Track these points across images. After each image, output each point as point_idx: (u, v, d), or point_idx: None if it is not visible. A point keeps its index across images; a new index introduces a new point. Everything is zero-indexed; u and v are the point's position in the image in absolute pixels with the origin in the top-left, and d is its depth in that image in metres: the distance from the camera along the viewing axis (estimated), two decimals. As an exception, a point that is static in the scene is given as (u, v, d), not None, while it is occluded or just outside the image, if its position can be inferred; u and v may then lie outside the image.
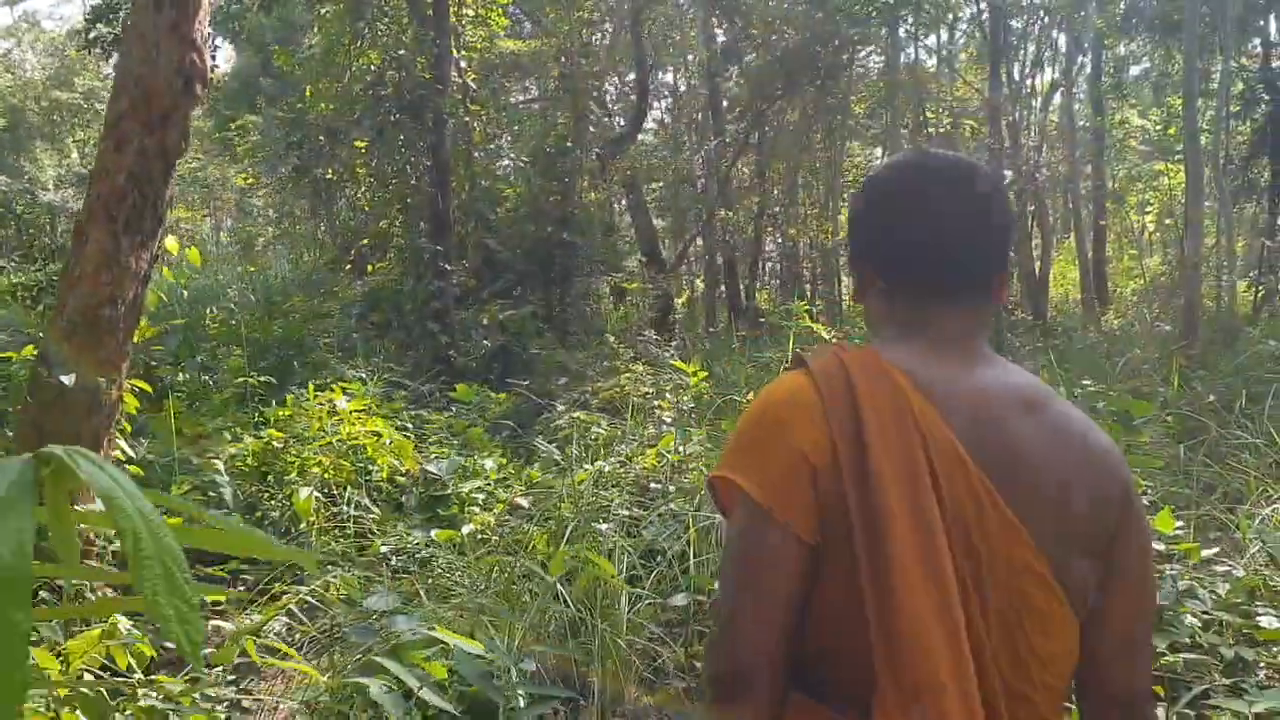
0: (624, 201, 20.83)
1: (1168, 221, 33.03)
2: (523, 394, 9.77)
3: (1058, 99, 28.10)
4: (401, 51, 11.68)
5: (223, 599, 4.04)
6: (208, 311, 11.37)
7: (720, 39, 21.88)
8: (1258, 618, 3.39)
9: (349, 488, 5.40)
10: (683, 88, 25.50)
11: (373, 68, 11.85)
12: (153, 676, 2.99)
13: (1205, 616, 3.42)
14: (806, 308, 7.06)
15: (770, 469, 1.28)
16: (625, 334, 13.04)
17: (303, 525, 4.94)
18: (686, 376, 7.48)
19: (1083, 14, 22.73)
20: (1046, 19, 25.68)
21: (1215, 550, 3.96)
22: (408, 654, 2.46)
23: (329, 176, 11.91)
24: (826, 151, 23.94)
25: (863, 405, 1.27)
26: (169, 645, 3.73)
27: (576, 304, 13.57)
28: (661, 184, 22.70)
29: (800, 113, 21.74)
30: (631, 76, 21.78)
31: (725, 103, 22.89)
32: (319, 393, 7.12)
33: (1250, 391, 7.68)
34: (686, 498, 5.02)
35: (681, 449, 5.80)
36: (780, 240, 24.72)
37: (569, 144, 13.70)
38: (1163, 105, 27.81)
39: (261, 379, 7.02)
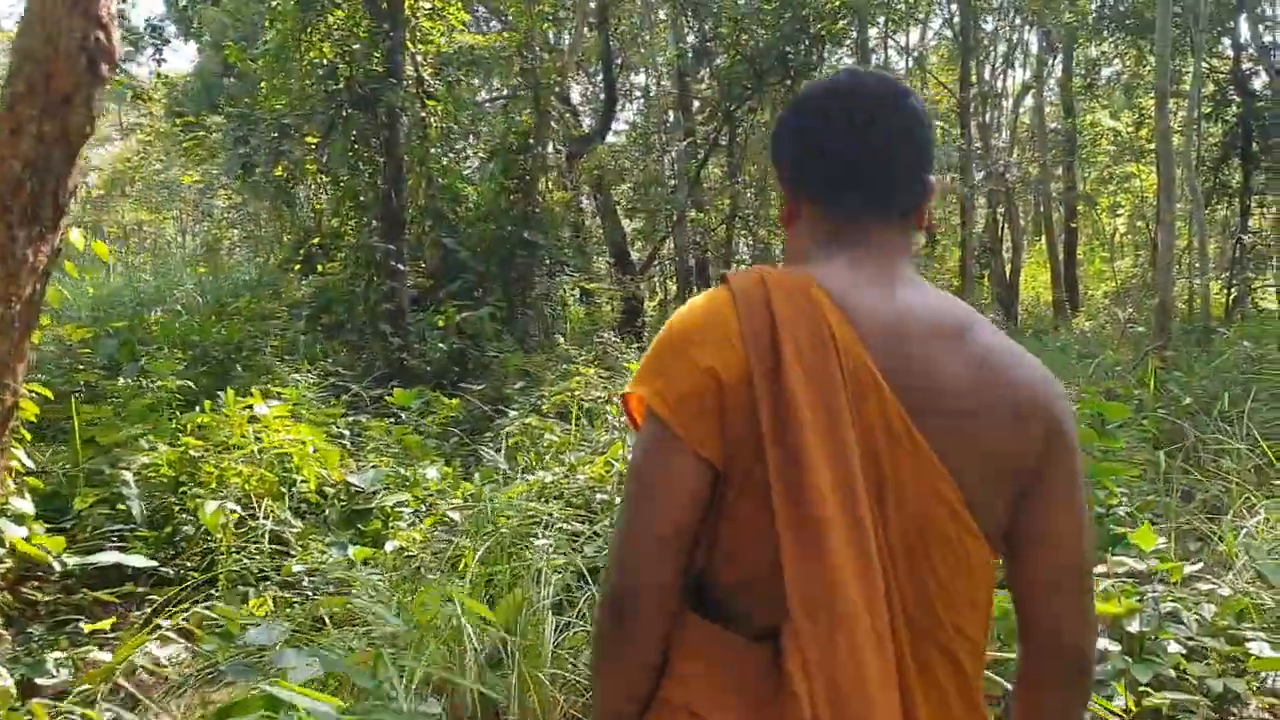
0: (593, 202, 20.45)
1: (1139, 224, 33.04)
2: (476, 398, 9.41)
3: (1029, 100, 27.95)
4: (356, 45, 11.28)
5: (106, 627, 3.65)
6: (152, 314, 10.94)
7: (690, 39, 21.55)
8: (1248, 644, 3.07)
9: (271, 500, 5.00)
10: (653, 89, 25.15)
11: (325, 62, 11.42)
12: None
13: (1190, 643, 3.09)
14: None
15: (677, 384, 1.23)
16: (587, 336, 12.66)
17: (212, 542, 4.55)
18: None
19: (1052, 14, 22.52)
20: (1018, 19, 25.50)
21: (1198, 566, 3.64)
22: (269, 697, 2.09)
23: (279, 174, 11.46)
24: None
25: (780, 323, 1.22)
26: (41, 681, 3.34)
27: (537, 306, 13.19)
28: (631, 185, 22.33)
29: (771, 113, 21.40)
30: (601, 77, 21.44)
31: (696, 103, 22.55)
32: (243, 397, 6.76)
33: (1228, 394, 7.41)
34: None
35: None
36: (753, 242, 24.40)
37: (530, 141, 13.32)
38: (1134, 107, 27.70)
39: (178, 384, 6.59)
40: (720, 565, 1.27)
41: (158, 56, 12.51)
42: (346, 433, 6.59)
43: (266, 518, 4.79)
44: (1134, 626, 3.01)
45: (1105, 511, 3.77)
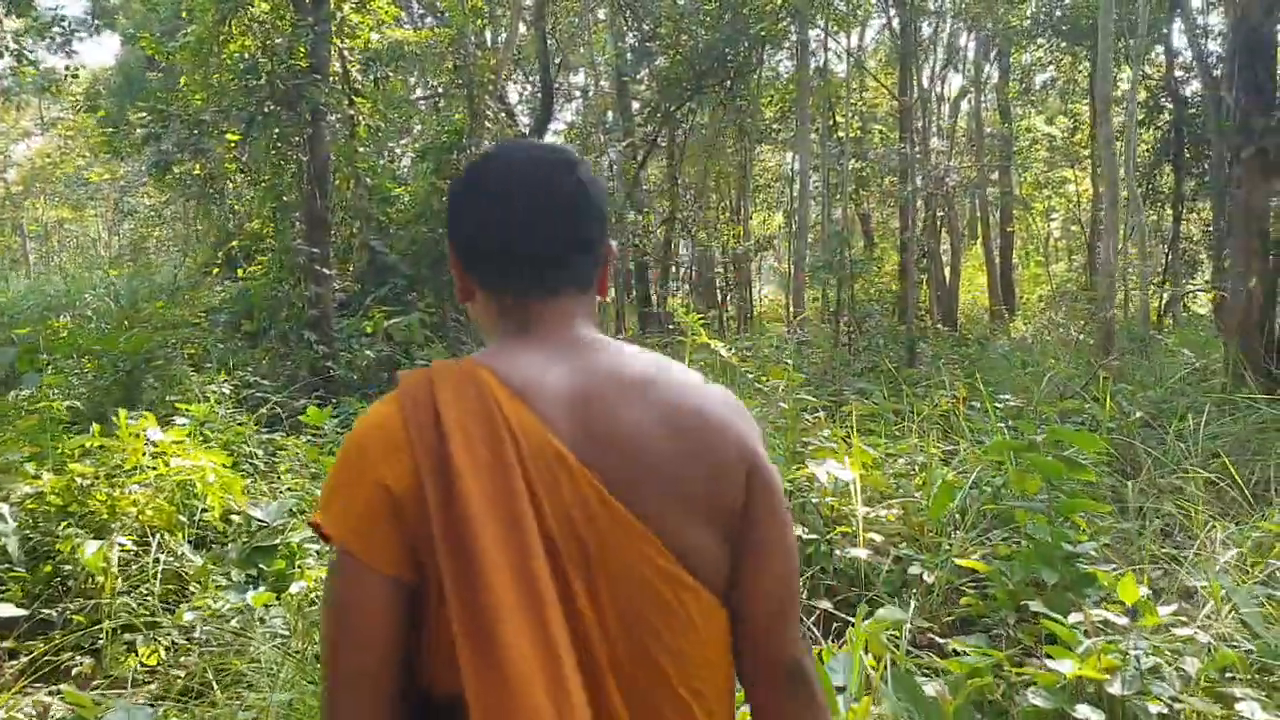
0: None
1: (1073, 228, 33.44)
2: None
3: (966, 105, 28.05)
4: (278, 40, 10.77)
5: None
6: (60, 319, 10.36)
7: (629, 39, 21.24)
8: (1237, 703, 2.79)
9: (168, 533, 4.56)
10: (591, 89, 24.79)
11: (246, 56, 10.89)
12: None
13: (1175, 704, 2.81)
14: (699, 319, 6.39)
15: (353, 507, 1.19)
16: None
17: (96, 584, 4.10)
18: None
19: (990, 21, 22.56)
20: (955, 24, 25.56)
21: (1173, 609, 3.37)
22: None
23: (197, 173, 10.89)
24: (737, 155, 23.41)
25: (446, 420, 1.20)
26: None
27: (469, 311, 12.76)
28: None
29: (710, 114, 21.18)
30: (538, 76, 20.98)
31: (635, 104, 22.26)
32: (152, 411, 6.31)
33: (1173, 406, 7.24)
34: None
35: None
36: (691, 245, 24.13)
37: (464, 140, 12.90)
38: (1069, 112, 27.93)
39: (70, 403, 6.08)
40: (436, 672, 1.22)
41: (68, 49, 11.82)
42: (259, 452, 6.12)
43: (163, 553, 4.35)
44: (1115, 688, 2.72)
45: (1073, 549, 3.49)
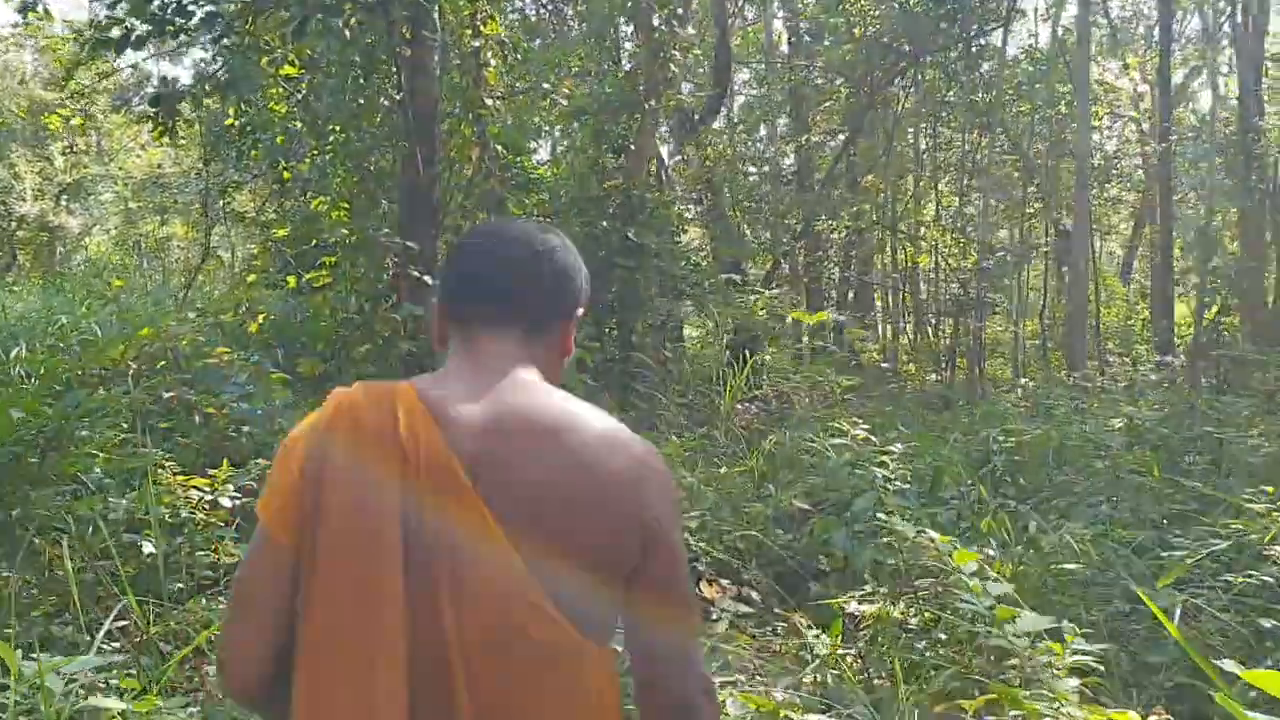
0: (703, 202, 15.76)
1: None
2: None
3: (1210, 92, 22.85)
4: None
5: None
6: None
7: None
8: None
9: None
10: (770, 72, 20.43)
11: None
12: None
13: None
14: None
15: (275, 492, 1.36)
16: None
17: None
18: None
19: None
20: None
21: None
22: None
23: (230, 121, 6.89)
24: (952, 146, 18.76)
25: (337, 427, 1.33)
26: None
27: (646, 344, 8.52)
28: (747, 179, 17.64)
29: (929, 89, 16.60)
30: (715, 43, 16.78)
31: (820, 81, 17.87)
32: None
33: None
34: None
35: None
36: (891, 262, 19.58)
37: (639, 93, 8.75)
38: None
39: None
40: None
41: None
42: None
43: None
44: None
45: None
